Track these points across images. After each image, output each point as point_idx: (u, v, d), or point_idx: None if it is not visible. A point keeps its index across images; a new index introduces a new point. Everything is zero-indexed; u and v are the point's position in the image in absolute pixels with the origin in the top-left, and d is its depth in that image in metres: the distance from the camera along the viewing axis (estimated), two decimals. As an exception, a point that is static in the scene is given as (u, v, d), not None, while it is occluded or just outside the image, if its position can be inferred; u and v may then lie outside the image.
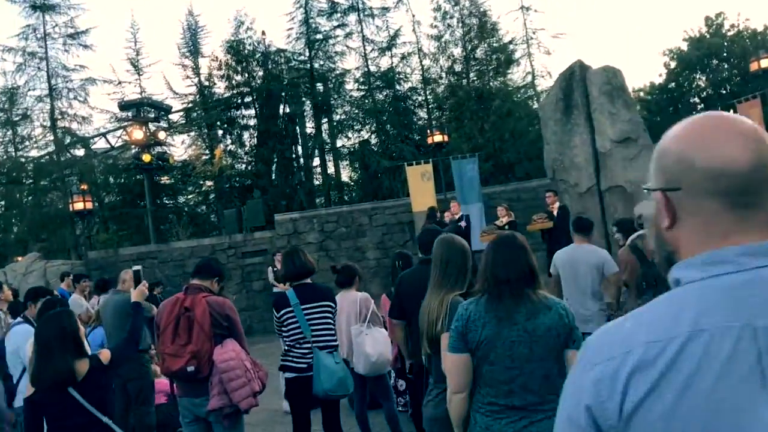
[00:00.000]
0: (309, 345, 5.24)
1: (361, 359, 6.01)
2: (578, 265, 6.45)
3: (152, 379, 6.94)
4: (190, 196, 23.45)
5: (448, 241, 3.65)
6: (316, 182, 23.26)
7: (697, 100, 21.92)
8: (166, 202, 22.89)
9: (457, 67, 22.89)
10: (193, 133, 22.54)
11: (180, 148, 23.12)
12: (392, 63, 23.08)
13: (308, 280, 5.47)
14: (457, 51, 22.80)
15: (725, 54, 21.28)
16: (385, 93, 22.68)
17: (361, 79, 22.82)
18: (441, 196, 17.42)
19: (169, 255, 17.97)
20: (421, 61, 23.37)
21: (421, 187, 17.49)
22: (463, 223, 12.79)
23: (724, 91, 21.73)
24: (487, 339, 2.91)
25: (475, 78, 22.50)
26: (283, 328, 5.34)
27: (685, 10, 44.73)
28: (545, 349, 2.89)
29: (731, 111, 14.48)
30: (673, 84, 22.29)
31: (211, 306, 4.63)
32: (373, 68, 22.89)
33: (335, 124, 22.86)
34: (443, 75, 22.99)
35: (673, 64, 22.24)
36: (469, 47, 22.60)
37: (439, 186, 17.44)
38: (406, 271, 5.02)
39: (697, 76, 21.87)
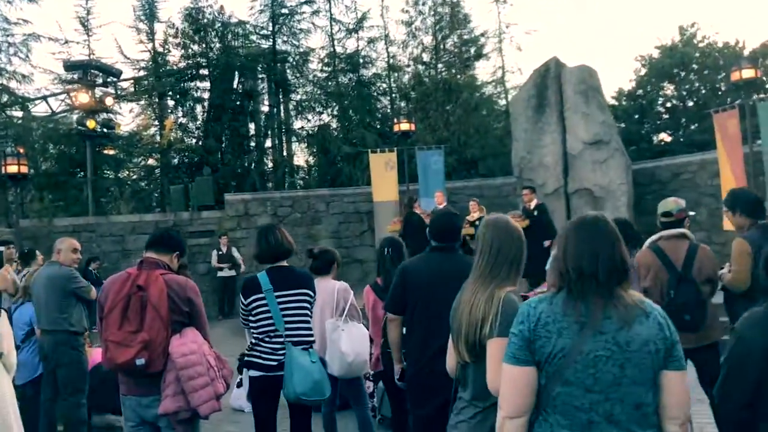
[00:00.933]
0: (281, 340, 4.42)
1: (335, 359, 5.21)
2: None
3: (86, 368, 5.99)
4: (134, 169, 22.08)
5: (503, 224, 2.89)
6: (271, 164, 22.22)
7: (662, 109, 21.79)
8: (108, 173, 21.50)
9: (426, 57, 22.19)
10: (142, 102, 21.19)
11: (127, 116, 21.79)
12: (358, 46, 22.25)
13: (284, 263, 4.64)
14: (427, 39, 22.13)
15: (695, 65, 21.17)
16: (349, 77, 21.79)
17: (326, 60, 21.88)
18: (403, 188, 16.70)
19: (108, 229, 16.76)
20: (387, 48, 22.61)
21: (383, 176, 16.74)
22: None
23: (691, 102, 21.65)
24: (563, 351, 2.17)
25: (443, 69, 21.83)
26: (251, 318, 4.52)
27: (659, 17, 45.04)
28: (640, 369, 2.16)
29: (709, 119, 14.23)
30: (641, 91, 22.09)
31: (170, 286, 3.76)
32: (339, 49, 22.00)
33: (295, 104, 21.84)
34: (410, 63, 22.25)
35: (643, 71, 22.05)
36: (440, 36, 21.92)
37: (402, 177, 16.70)
38: (412, 259, 4.24)
39: (665, 85, 21.72)
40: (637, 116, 21.71)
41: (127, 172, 22.21)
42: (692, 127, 21.15)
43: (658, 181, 16.46)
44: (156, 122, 21.30)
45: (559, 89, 16.12)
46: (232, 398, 7.34)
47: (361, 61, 21.93)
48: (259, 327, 4.48)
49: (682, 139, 21.17)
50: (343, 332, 5.31)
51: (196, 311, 3.85)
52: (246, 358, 4.57)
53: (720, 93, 20.89)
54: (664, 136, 22.60)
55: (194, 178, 19.01)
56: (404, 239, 7.13)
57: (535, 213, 11.50)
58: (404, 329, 4.22)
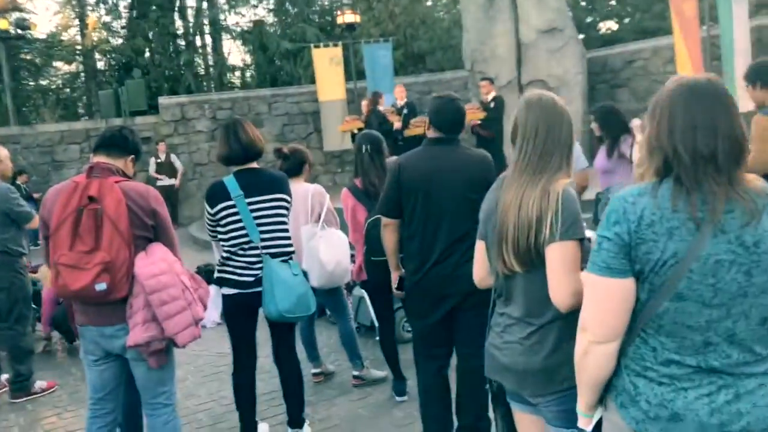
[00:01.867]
0: (257, 252, 3.87)
1: (314, 268, 4.70)
2: None
3: (28, 292, 5.33)
4: (58, 73, 20.43)
5: (549, 102, 2.33)
6: (204, 64, 20.89)
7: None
8: (28, 81, 19.84)
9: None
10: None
11: (44, 16, 19.93)
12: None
13: (255, 165, 4.03)
14: None
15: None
16: (284, -35, 20.32)
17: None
18: (350, 85, 15.88)
19: (34, 140, 15.54)
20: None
21: (328, 72, 15.84)
22: (406, 110, 11.43)
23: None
24: (675, 256, 1.69)
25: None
26: (220, 229, 3.94)
27: None
28: (770, 275, 1.70)
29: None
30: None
31: (129, 195, 3.13)
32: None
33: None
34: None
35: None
36: None
37: (348, 73, 15.85)
38: (407, 154, 3.69)
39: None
40: (584, 3, 21.08)
41: (49, 79, 20.55)
42: (637, 15, 20.67)
43: (611, 69, 16.12)
44: (77, 21, 19.56)
45: (511, -26, 15.29)
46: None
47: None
48: (230, 239, 3.91)
49: (629, 27, 20.71)
50: (321, 239, 4.78)
51: (163, 224, 3.24)
52: (217, 275, 4.01)
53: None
54: (611, 24, 22.12)
55: (124, 81, 17.69)
56: None
57: (492, 105, 10.99)
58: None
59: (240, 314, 4.00)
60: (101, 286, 3.00)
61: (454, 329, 3.59)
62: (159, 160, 15.06)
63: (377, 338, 5.79)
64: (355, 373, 5.04)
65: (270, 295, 3.83)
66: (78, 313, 3.27)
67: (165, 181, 14.89)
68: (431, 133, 3.62)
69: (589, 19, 21.60)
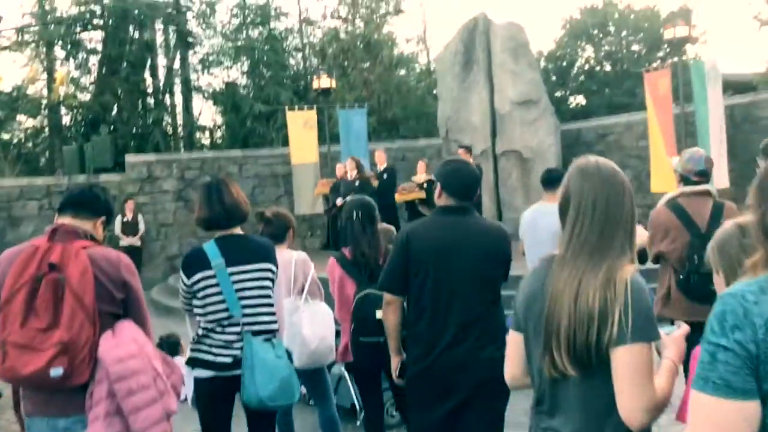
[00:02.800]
0: (238, 329, 3.43)
1: (296, 346, 4.25)
2: (539, 230, 5.17)
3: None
4: (21, 127, 19.83)
5: (608, 171, 1.99)
6: (172, 122, 20.52)
7: (581, 71, 21.58)
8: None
9: (343, 11, 20.94)
10: (27, 53, 18.93)
11: (11, 68, 19.48)
12: (270, -2, 20.69)
13: (238, 230, 3.62)
14: (346, -10, 20.82)
15: (611, 27, 20.99)
16: (259, 30, 20.27)
17: (235, 11, 20.27)
18: (324, 149, 15.64)
19: (-9, 194, 14.87)
20: (299, 1, 21.22)
21: (302, 136, 15.59)
22: (385, 175, 11.15)
23: (608, 65, 21.51)
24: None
25: (361, 24, 20.65)
26: (197, 302, 3.49)
27: None
28: None
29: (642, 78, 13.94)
30: (561, 53, 21.78)
31: (97, 264, 2.69)
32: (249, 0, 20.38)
33: (201, 58, 20.13)
34: (327, 16, 20.96)
35: (564, 32, 21.73)
36: (358, -12, 20.73)
37: (322, 137, 15.62)
38: (414, 223, 3.35)
39: (585, 46, 21.50)
40: (555, 78, 21.41)
41: (11, 133, 19.94)
42: (606, 90, 21.06)
43: (584, 142, 16.18)
44: (44, 75, 19.12)
45: (487, 46, 15.43)
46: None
47: (272, 13, 20.43)
48: (208, 313, 3.47)
49: (599, 102, 21.06)
50: (304, 313, 4.35)
51: (134, 298, 2.80)
52: (191, 354, 3.55)
53: (636, 56, 20.87)
54: (581, 99, 22.47)
55: (90, 137, 17.20)
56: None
57: None
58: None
59: (214, 400, 3.52)
60: (57, 371, 2.53)
61: (458, 428, 3.17)
62: (126, 219, 14.45)
63: (358, 423, 5.31)
64: (337, 465, 4.53)
65: (250, 380, 3.37)
66: (25, 400, 2.77)
67: (130, 240, 14.28)
68: (442, 201, 3.28)
69: (559, 93, 21.94)
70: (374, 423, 4.28)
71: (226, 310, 3.43)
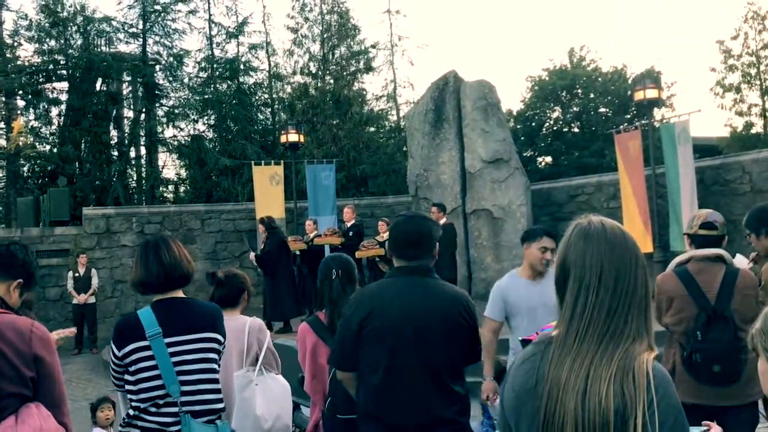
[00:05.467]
0: (175, 410, 2.94)
1: (247, 427, 3.75)
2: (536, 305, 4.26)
3: None
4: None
5: (614, 234, 1.59)
6: (136, 176, 19.99)
7: (548, 132, 21.67)
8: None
9: (313, 67, 20.82)
10: (-15, 100, 18.41)
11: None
12: (239, 51, 20.53)
13: (180, 294, 3.16)
14: (315, 48, 20.76)
15: (579, 89, 21.19)
16: (227, 84, 20.04)
17: (203, 64, 20.01)
18: (290, 204, 15.24)
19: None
20: (269, 57, 21.09)
21: (268, 191, 15.19)
22: (351, 233, 10.81)
23: (576, 127, 21.64)
24: None
25: (330, 80, 20.54)
26: (129, 377, 3.00)
27: (551, 39, 45.67)
28: None
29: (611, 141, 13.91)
30: (530, 113, 21.87)
31: (2, 335, 2.24)
32: (218, 53, 20.19)
33: (166, 110, 19.74)
34: (296, 72, 20.79)
35: (532, 93, 21.87)
36: (328, 46, 20.66)
37: (289, 192, 15.24)
38: (368, 287, 2.95)
39: (554, 107, 21.62)
40: (523, 138, 21.43)
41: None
42: (576, 153, 21.12)
43: (555, 202, 16.07)
44: (1, 124, 18.56)
45: (457, 104, 15.33)
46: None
47: (241, 67, 20.25)
48: (140, 391, 2.97)
49: (566, 162, 21.10)
50: (258, 387, 3.86)
51: (47, 377, 2.33)
52: (120, 438, 3.03)
53: (604, 118, 21.03)
54: (548, 159, 22.51)
55: (47, 189, 16.59)
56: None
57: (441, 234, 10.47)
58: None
59: (146, 494, 3.00)
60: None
61: None
62: (77, 275, 13.78)
63: None
64: None
65: (187, 470, 2.87)
66: None
67: (82, 297, 13.59)
68: (397, 262, 2.90)
69: (527, 153, 21.96)
70: None
71: (162, 387, 2.95)
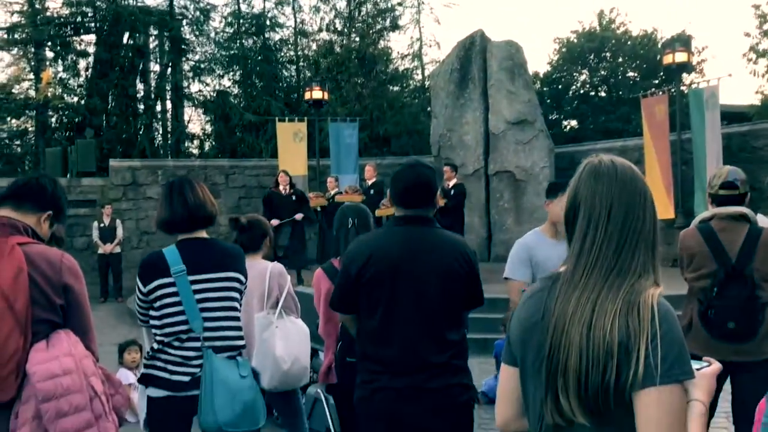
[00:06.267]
0: (197, 344, 3.07)
1: (267, 366, 3.89)
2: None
3: None
4: (4, 127, 19.41)
5: (624, 172, 1.65)
6: (162, 129, 20.17)
7: (575, 96, 21.44)
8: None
9: (338, 24, 20.72)
10: (15, 51, 18.56)
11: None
12: (265, 7, 20.47)
13: (203, 234, 3.27)
14: (341, 5, 20.64)
15: (608, 53, 20.88)
16: (253, 39, 20.02)
17: (229, 20, 19.99)
18: (313, 162, 15.33)
19: (-31, 193, 14.42)
20: (295, 13, 21.01)
21: (291, 148, 15.27)
22: (372, 191, 10.89)
23: (603, 91, 21.40)
24: None
25: (356, 38, 20.44)
26: (153, 312, 3.13)
27: (580, 1, 44.32)
28: None
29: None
30: (556, 75, 21.64)
31: (34, 263, 2.35)
32: (244, 8, 20.14)
33: (192, 65, 19.82)
34: (322, 28, 20.72)
35: (559, 55, 21.60)
36: (354, 3, 20.51)
37: (312, 150, 15.32)
38: (366, 235, 3.06)
39: (581, 70, 21.36)
40: (549, 100, 21.24)
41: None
42: (602, 117, 20.88)
43: (578, 166, 15.93)
44: (31, 75, 18.76)
45: (483, 64, 15.23)
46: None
47: (267, 23, 20.20)
48: (164, 326, 3.11)
49: (591, 127, 20.89)
50: (278, 330, 4.00)
51: (76, 304, 2.45)
52: (144, 370, 3.18)
53: (632, 82, 20.74)
54: (573, 123, 22.31)
55: (74, 140, 16.84)
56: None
57: (452, 193, 10.53)
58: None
59: (168, 423, 3.15)
60: (-25, 387, 2.17)
61: None
62: (102, 225, 14.07)
63: (333, 450, 4.93)
64: (306, 496, 4.16)
65: (208, 402, 3.01)
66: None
67: (108, 247, 13.90)
68: (397, 212, 2.97)
69: (553, 116, 21.76)
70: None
71: (186, 322, 3.07)
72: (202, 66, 19.82)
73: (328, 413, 5.07)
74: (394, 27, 20.77)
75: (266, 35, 20.31)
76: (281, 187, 11.18)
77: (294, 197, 11.17)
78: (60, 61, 19.06)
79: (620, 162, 1.68)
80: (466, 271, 2.85)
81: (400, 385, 2.79)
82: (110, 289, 13.95)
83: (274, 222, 10.09)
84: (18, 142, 19.68)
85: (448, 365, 2.80)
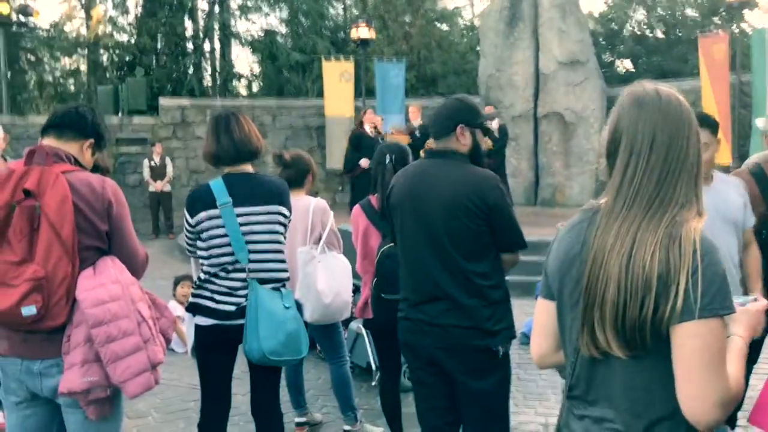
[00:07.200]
0: (243, 275, 3.13)
1: (309, 299, 3.96)
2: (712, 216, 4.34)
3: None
4: (57, 65, 19.74)
5: (669, 102, 1.57)
6: (211, 69, 20.24)
7: (626, 35, 20.68)
8: (25, 69, 19.17)
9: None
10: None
11: (48, 3, 19.29)
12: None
13: (249, 168, 3.30)
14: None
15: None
16: (300, -24, 19.75)
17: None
18: (359, 102, 15.24)
19: (24, 131, 14.79)
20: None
21: (337, 88, 15.21)
22: (418, 132, 10.77)
23: (659, 32, 20.55)
24: None
25: (404, -26, 19.98)
26: (201, 243, 3.20)
27: None
28: None
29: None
30: (612, 14, 20.86)
31: (78, 191, 2.40)
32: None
33: (240, 3, 19.71)
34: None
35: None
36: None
37: (358, 90, 15.20)
38: (404, 168, 3.06)
39: (636, 8, 20.53)
40: (602, 41, 20.53)
41: (48, 68, 19.86)
42: (658, 58, 20.12)
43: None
44: (82, 13, 18.92)
45: (534, 2, 14.79)
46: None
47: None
48: (211, 257, 3.17)
49: (646, 68, 20.17)
50: (320, 264, 4.04)
51: (121, 231, 2.51)
52: (192, 299, 3.27)
53: (691, 22, 19.87)
54: (628, 64, 21.57)
55: (125, 79, 17.05)
56: None
57: (495, 134, 10.34)
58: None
59: (215, 351, 3.25)
60: (30, 310, 2.26)
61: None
62: (153, 163, 14.33)
63: (374, 383, 5.05)
64: (347, 427, 4.26)
65: (253, 331, 3.09)
66: (2, 339, 2.51)
67: (159, 185, 14.19)
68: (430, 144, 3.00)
69: (606, 57, 21.06)
70: (390, 384, 3.99)
71: (232, 254, 3.13)
72: (249, 4, 19.69)
73: (369, 349, 5.17)
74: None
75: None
76: (368, 129, 10.94)
77: (381, 139, 10.95)
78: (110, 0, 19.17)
79: (664, 90, 1.61)
80: (478, 207, 2.72)
81: (414, 317, 2.87)
82: (161, 226, 14.29)
83: (365, 162, 9.95)
84: (71, 81, 19.98)
85: (463, 304, 2.75)
